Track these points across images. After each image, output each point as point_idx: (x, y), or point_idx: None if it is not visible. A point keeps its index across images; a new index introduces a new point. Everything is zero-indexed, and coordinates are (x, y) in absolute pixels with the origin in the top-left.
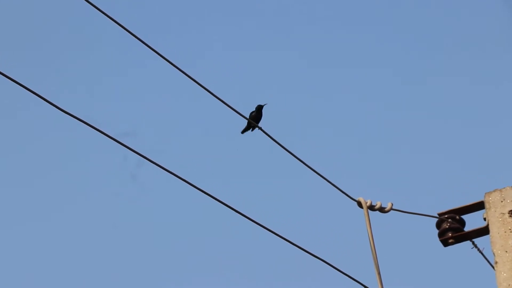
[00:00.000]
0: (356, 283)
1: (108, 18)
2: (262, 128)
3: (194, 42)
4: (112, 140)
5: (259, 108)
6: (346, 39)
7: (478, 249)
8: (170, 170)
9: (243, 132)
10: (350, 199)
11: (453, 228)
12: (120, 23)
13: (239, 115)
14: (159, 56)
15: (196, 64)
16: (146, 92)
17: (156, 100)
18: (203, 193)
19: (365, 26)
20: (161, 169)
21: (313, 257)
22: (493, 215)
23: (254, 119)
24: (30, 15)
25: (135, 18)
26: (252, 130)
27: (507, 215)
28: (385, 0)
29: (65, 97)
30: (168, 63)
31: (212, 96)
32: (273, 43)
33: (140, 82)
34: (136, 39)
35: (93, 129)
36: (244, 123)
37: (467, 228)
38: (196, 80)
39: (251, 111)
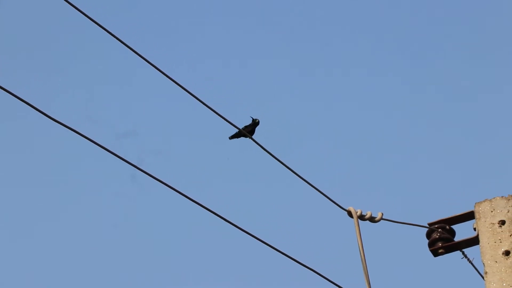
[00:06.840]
0: None
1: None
2: (253, 138)
3: (184, 50)
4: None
5: (255, 124)
6: (339, 45)
7: (468, 259)
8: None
9: (231, 138)
10: (340, 209)
11: (443, 238)
12: (117, 35)
13: (233, 127)
14: (151, 65)
15: (188, 71)
16: (145, 95)
17: (154, 103)
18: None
19: (360, 32)
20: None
21: (302, 266)
22: (483, 225)
23: (248, 132)
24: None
25: (132, 25)
26: (239, 137)
27: (497, 225)
28: (383, 4)
29: (65, 98)
30: (160, 72)
31: (205, 106)
32: (265, 51)
33: (138, 86)
34: (131, 50)
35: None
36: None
37: (457, 238)
38: (194, 94)
39: (245, 124)
